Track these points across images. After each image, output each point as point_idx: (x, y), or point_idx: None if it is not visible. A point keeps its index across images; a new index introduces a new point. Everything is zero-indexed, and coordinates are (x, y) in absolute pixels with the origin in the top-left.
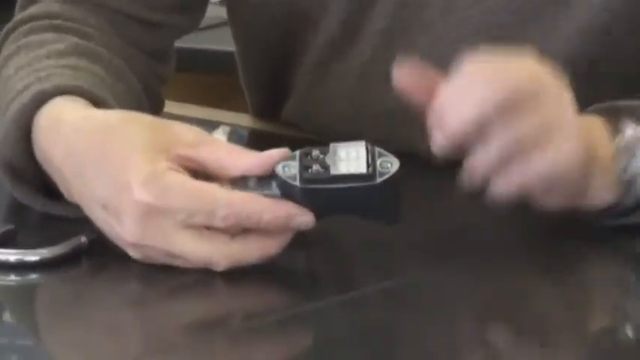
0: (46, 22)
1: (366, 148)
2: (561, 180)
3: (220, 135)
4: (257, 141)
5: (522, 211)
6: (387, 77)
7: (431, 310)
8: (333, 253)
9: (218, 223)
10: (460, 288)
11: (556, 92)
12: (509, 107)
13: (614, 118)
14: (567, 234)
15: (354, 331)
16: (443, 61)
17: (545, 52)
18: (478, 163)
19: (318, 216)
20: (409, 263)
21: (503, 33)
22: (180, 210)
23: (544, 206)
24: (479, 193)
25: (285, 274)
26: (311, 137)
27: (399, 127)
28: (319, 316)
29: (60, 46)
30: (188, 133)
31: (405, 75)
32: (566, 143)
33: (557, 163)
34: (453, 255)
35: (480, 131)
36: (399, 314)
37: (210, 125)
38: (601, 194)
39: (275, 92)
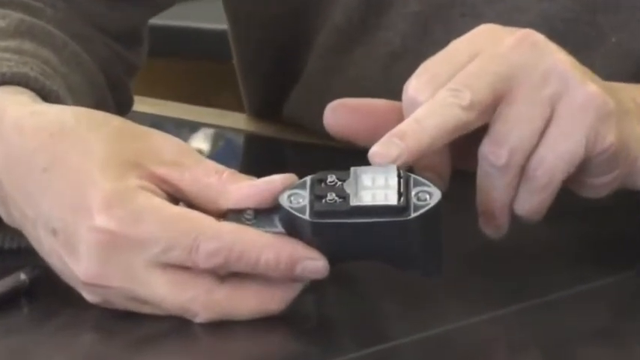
0: None
1: (398, 175)
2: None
3: (200, 141)
4: (251, 147)
5: (567, 239)
6: None
7: None
8: (351, 295)
9: (201, 261)
10: (505, 336)
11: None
12: None
13: None
14: (619, 271)
15: None
16: None
17: (623, 53)
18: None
19: (333, 261)
20: (445, 306)
21: (566, 26)
22: (153, 242)
23: (593, 193)
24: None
25: (291, 322)
26: (319, 142)
27: None
28: None
29: (0, 23)
30: (169, 147)
31: (337, 119)
32: (581, 88)
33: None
34: (493, 295)
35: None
36: None
37: (189, 127)
38: None
39: (278, 83)
